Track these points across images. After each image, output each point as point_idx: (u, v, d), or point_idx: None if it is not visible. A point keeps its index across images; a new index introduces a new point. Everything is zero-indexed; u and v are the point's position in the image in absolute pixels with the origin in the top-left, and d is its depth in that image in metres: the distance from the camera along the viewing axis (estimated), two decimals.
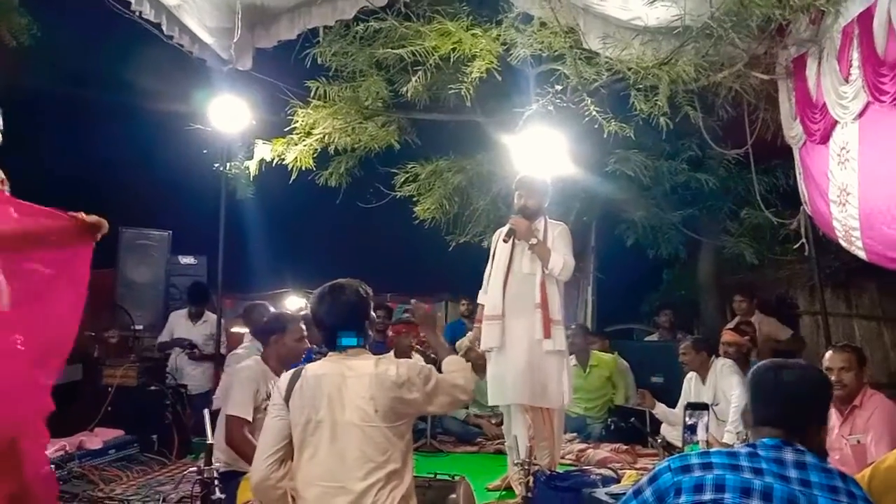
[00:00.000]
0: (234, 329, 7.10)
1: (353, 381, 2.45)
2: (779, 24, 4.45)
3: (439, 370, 2.65)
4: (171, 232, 7.66)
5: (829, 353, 3.76)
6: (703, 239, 7.84)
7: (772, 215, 5.70)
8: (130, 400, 5.36)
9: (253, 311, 5.44)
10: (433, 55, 5.55)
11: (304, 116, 6.54)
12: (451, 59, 5.57)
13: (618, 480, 3.69)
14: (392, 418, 2.43)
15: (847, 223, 4.17)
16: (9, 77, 6.49)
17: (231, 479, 3.39)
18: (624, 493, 3.08)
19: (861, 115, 3.88)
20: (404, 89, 5.92)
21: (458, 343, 6.65)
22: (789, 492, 1.70)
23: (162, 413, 5.38)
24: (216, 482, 3.03)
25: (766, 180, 6.32)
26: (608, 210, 7.80)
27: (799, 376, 1.94)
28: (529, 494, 3.49)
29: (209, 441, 3.20)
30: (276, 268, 9.41)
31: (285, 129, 6.69)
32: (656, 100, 4.88)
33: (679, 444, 3.88)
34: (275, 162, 6.79)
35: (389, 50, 5.74)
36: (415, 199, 7.06)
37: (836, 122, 4.15)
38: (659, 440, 4.51)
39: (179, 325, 6.57)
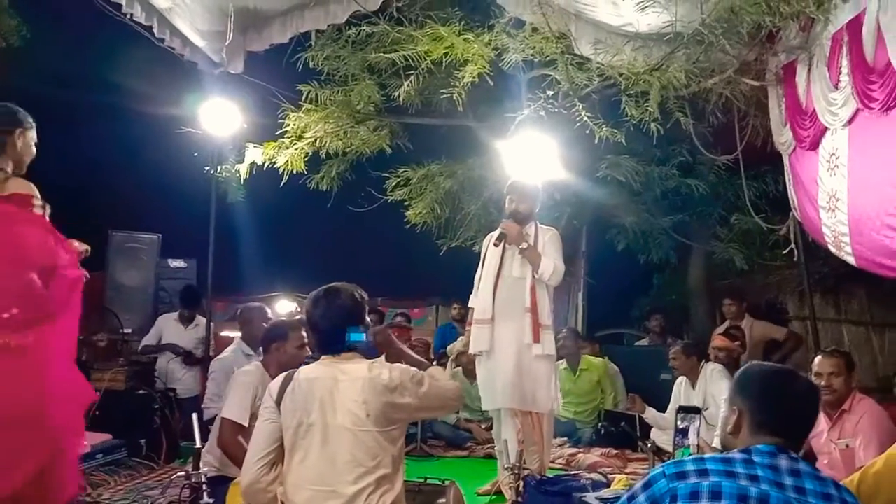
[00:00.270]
0: (224, 333, 7.08)
1: (346, 384, 2.44)
2: (769, 31, 4.48)
3: None
4: (160, 235, 7.63)
5: (818, 359, 3.78)
6: (693, 244, 7.87)
7: (761, 221, 5.72)
8: (118, 404, 5.31)
9: (249, 312, 5.38)
10: (425, 60, 5.56)
11: (295, 120, 6.52)
12: (443, 64, 5.57)
13: (608, 485, 3.69)
14: (384, 423, 2.42)
15: (836, 229, 4.20)
16: None
17: (220, 484, 3.37)
18: (614, 498, 3.10)
19: (850, 121, 3.91)
20: (396, 93, 5.93)
21: (449, 347, 6.68)
22: (785, 499, 1.70)
23: (150, 417, 5.34)
24: (205, 487, 3.02)
25: (756, 186, 6.35)
26: (599, 215, 7.82)
27: (807, 387, 1.94)
28: (519, 499, 3.48)
29: (198, 445, 3.19)
30: (267, 272, 9.39)
31: (276, 133, 6.67)
32: (647, 105, 4.90)
33: (669, 448, 3.89)
34: (266, 165, 6.77)
35: (381, 54, 5.74)
36: (406, 203, 7.06)
37: (825, 129, 4.18)
38: (649, 444, 4.51)
39: (169, 328, 6.51)
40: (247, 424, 3.65)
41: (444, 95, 5.66)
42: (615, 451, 5.57)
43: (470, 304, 4.66)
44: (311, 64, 6.17)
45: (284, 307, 8.71)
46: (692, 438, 2.97)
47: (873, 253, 3.86)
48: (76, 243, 3.11)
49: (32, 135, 3.09)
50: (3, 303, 2.78)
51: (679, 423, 3.01)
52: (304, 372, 2.54)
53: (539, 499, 3.55)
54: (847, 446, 3.62)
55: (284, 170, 6.71)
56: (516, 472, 3.51)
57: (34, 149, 3.11)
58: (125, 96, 7.91)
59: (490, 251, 4.53)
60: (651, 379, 6.30)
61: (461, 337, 5.33)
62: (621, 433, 5.53)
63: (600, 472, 4.30)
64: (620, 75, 4.89)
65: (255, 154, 6.75)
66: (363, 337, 2.57)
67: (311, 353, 3.98)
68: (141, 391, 5.51)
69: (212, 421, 4.22)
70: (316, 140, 6.63)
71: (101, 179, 8.52)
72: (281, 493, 2.46)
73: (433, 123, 7.03)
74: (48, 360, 2.87)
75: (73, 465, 3.05)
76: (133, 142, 8.42)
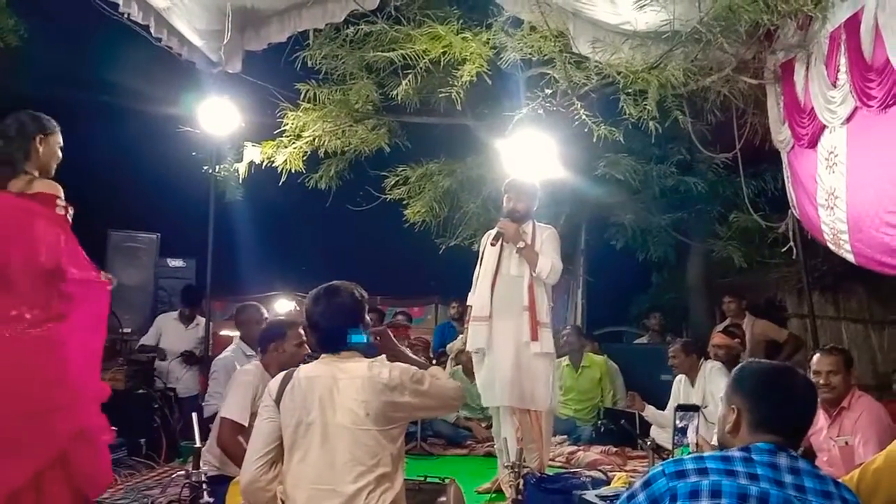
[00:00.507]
0: (223, 332, 7.07)
1: (346, 383, 2.44)
2: (767, 29, 4.48)
3: None
4: (159, 234, 7.63)
5: (816, 356, 3.78)
6: (691, 242, 7.88)
7: (760, 219, 5.73)
8: (118, 403, 5.28)
9: (244, 312, 5.39)
10: (423, 59, 5.55)
11: (293, 119, 6.52)
12: (442, 63, 5.57)
13: (608, 483, 3.69)
14: (383, 422, 2.42)
15: (835, 227, 4.20)
16: None
17: (220, 483, 3.37)
18: (613, 495, 3.10)
19: (849, 119, 3.91)
20: (394, 92, 5.92)
21: (448, 346, 6.68)
22: (785, 497, 1.69)
23: (150, 416, 5.34)
24: (205, 486, 3.02)
25: (755, 184, 6.36)
26: (598, 213, 7.83)
27: (805, 385, 1.92)
28: (519, 497, 3.48)
29: (197, 445, 3.19)
30: (266, 271, 9.40)
31: (275, 132, 6.67)
32: (645, 104, 4.90)
33: (669, 445, 3.89)
34: (264, 164, 6.77)
35: (379, 53, 5.73)
36: (405, 202, 7.06)
37: (824, 127, 4.18)
38: (648, 442, 4.51)
39: (169, 328, 6.51)
40: (247, 424, 3.65)
41: (443, 94, 5.66)
42: (615, 449, 5.58)
43: (468, 303, 4.67)
44: (309, 63, 6.17)
45: (283, 306, 8.72)
46: (691, 437, 2.97)
47: (872, 250, 3.87)
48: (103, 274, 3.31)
49: (55, 139, 3.17)
50: (12, 301, 2.83)
51: (678, 421, 3.01)
52: (303, 370, 2.53)
53: (539, 497, 3.55)
54: (846, 443, 3.62)
55: (283, 169, 6.71)
56: (516, 470, 3.52)
57: (59, 152, 3.20)
58: (123, 96, 7.90)
59: (488, 250, 4.54)
60: (650, 377, 6.31)
61: (460, 335, 5.33)
62: (621, 431, 5.53)
63: (600, 470, 4.31)
64: (619, 74, 4.89)
65: (254, 153, 6.75)
66: (364, 339, 2.57)
67: (309, 350, 3.99)
68: (140, 391, 5.51)
69: (212, 419, 4.22)
70: (314, 139, 6.63)
71: (100, 179, 8.50)
72: (280, 492, 2.46)
73: (431, 122, 7.03)
74: (62, 356, 2.92)
75: (104, 458, 3.14)
76: (131, 141, 8.41)
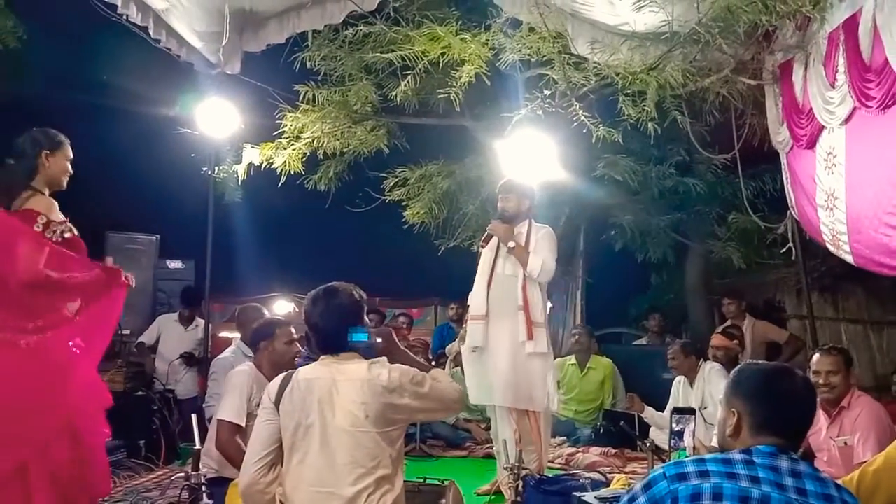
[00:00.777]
0: (222, 334, 7.06)
1: (345, 385, 2.44)
2: (765, 29, 4.48)
3: None
4: (158, 236, 7.63)
5: (816, 357, 3.79)
6: (690, 243, 7.87)
7: (759, 220, 5.72)
8: (117, 405, 5.27)
9: (245, 313, 5.39)
10: (422, 60, 5.55)
11: (292, 120, 6.52)
12: (441, 64, 5.57)
13: (607, 484, 3.68)
14: (383, 424, 2.42)
15: (834, 227, 4.20)
16: None
17: (219, 486, 3.37)
18: (613, 497, 3.09)
19: (848, 120, 3.92)
20: (393, 94, 5.92)
21: (448, 347, 6.67)
22: (786, 500, 1.69)
23: (149, 418, 5.34)
24: (204, 488, 3.02)
25: (754, 185, 6.36)
26: (597, 214, 7.82)
27: (804, 385, 1.91)
28: (519, 499, 3.48)
29: (196, 446, 3.19)
30: (265, 272, 9.38)
31: (274, 133, 6.66)
32: (644, 105, 4.90)
33: (667, 447, 3.89)
34: (263, 166, 6.77)
35: (378, 54, 5.73)
36: (404, 203, 7.05)
37: (822, 128, 4.18)
38: (648, 444, 4.51)
39: (168, 329, 6.51)
40: (244, 424, 3.65)
41: (442, 95, 5.66)
42: (614, 451, 5.58)
43: (468, 303, 4.67)
44: (308, 64, 6.17)
45: (283, 308, 8.70)
46: (687, 440, 2.95)
47: (871, 251, 3.87)
48: (110, 261, 3.42)
49: (63, 153, 3.21)
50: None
51: (674, 425, 2.99)
52: (302, 372, 2.53)
53: (538, 498, 3.54)
54: (846, 443, 3.63)
55: (282, 170, 6.71)
56: (515, 471, 3.52)
57: (68, 166, 3.23)
58: (122, 97, 7.88)
59: (483, 250, 4.58)
60: (649, 378, 6.31)
61: (459, 337, 5.33)
62: (620, 432, 5.53)
63: (599, 472, 4.30)
64: (617, 74, 4.89)
65: (253, 154, 6.75)
66: (366, 337, 2.56)
67: (301, 348, 4.00)
68: (139, 392, 5.51)
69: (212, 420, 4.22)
70: (313, 140, 6.63)
71: (99, 180, 8.45)
72: (280, 495, 2.45)
73: (430, 123, 7.03)
74: (58, 363, 2.99)
75: (102, 465, 3.18)
76: (130, 143, 8.39)
